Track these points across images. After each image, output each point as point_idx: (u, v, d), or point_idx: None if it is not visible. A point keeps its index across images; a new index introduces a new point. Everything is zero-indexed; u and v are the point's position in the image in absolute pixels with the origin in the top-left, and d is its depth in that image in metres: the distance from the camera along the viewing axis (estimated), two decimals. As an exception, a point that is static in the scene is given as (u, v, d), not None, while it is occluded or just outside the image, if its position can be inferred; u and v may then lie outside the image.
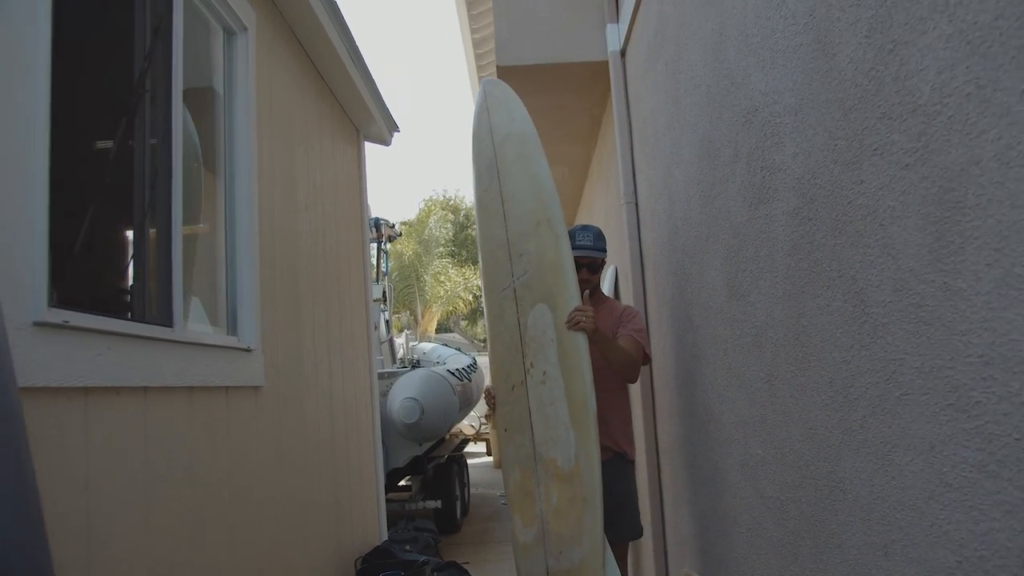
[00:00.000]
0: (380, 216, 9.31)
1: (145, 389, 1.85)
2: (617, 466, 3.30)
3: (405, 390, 6.79)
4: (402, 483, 8.27)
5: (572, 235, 3.35)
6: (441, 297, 23.65)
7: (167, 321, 2.02)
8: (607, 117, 5.06)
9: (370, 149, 5.06)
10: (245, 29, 2.63)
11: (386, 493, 5.46)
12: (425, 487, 7.94)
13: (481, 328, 26.86)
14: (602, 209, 5.83)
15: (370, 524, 4.25)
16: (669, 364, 3.60)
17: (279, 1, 3.06)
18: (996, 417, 1.13)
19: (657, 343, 3.85)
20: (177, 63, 2.03)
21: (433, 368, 8.30)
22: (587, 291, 3.22)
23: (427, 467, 7.86)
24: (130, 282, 2.13)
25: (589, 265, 3.41)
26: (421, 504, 7.60)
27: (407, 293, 22.90)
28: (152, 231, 2.02)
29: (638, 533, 3.48)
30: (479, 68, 9.53)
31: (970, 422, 1.20)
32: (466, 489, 9.40)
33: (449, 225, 25.32)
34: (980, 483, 1.18)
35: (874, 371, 1.51)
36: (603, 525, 2.83)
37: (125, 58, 1.99)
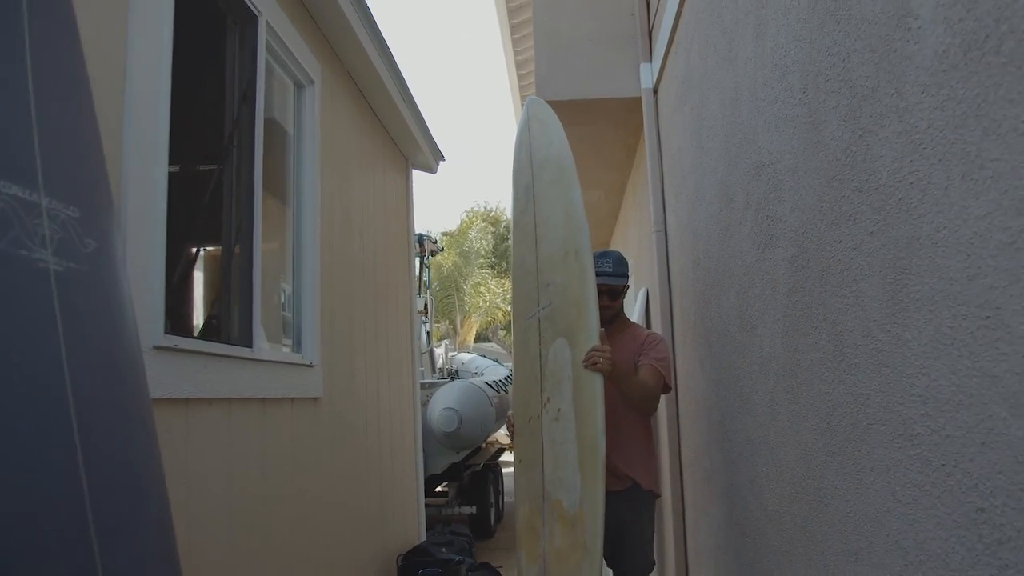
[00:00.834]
0: (423, 231, 9.67)
1: (229, 400, 2.18)
2: (631, 497, 3.28)
3: (444, 400, 7.12)
4: (439, 489, 8.59)
5: (592, 260, 3.22)
6: (480, 308, 24.00)
7: (248, 342, 2.36)
8: (640, 147, 5.33)
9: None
10: (312, 82, 2.98)
11: (424, 498, 5.78)
12: (461, 493, 8.24)
13: (519, 339, 27.05)
14: (635, 233, 6.10)
15: (410, 525, 4.57)
16: (692, 385, 3.85)
17: (341, 53, 3.42)
18: (930, 447, 1.39)
19: (683, 365, 4.10)
20: (259, 125, 2.38)
21: (471, 379, 8.62)
22: (608, 317, 3.26)
23: (463, 474, 8.18)
24: (219, 310, 2.47)
25: (609, 292, 3.36)
26: (457, 509, 7.90)
27: (447, 303, 23.30)
28: (236, 268, 2.37)
29: (647, 569, 3.39)
30: (521, 88, 9.87)
31: (913, 450, 1.46)
32: (500, 496, 9.69)
33: (489, 237, 25.68)
34: (919, 500, 1.44)
35: (848, 403, 1.77)
36: (600, 570, 2.82)
37: (218, 122, 2.34)
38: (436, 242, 10.23)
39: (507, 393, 9.27)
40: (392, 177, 4.60)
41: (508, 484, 11.91)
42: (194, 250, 2.51)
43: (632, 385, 3.15)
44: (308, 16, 3.04)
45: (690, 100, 3.60)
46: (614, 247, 8.43)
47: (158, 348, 1.76)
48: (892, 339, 1.53)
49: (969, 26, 1.20)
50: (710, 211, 3.23)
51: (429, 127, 4.71)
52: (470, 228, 25.43)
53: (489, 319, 25.17)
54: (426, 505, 5.65)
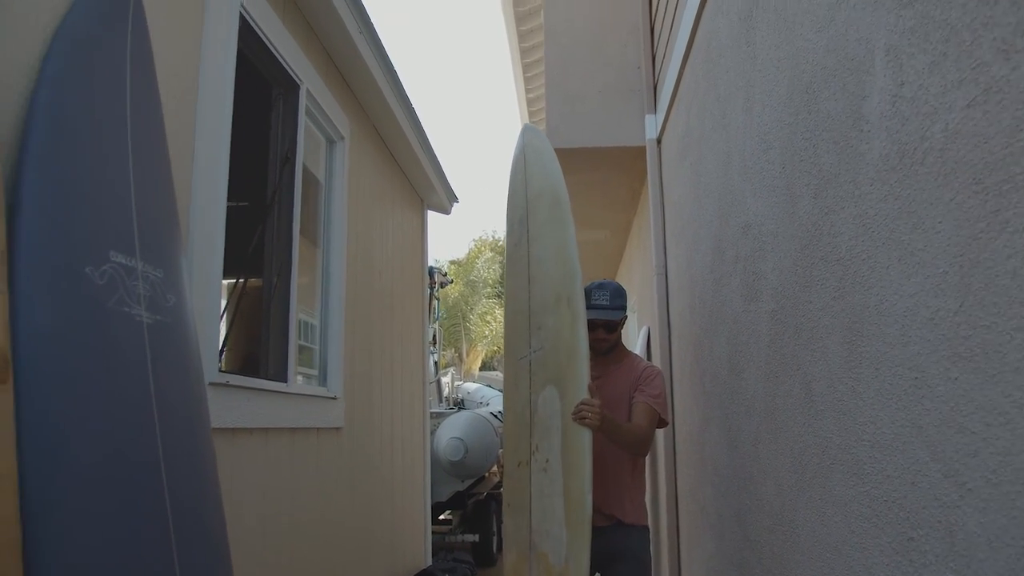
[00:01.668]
0: (433, 263, 9.95)
1: (266, 430, 2.43)
2: (617, 533, 3.19)
3: (451, 430, 7.34)
4: (442, 517, 8.77)
5: (588, 293, 3.22)
6: (486, 337, 24.22)
7: (283, 378, 2.63)
8: (645, 191, 5.61)
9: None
10: (343, 138, 3.28)
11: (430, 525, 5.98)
12: (464, 521, 8.42)
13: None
14: (639, 272, 6.35)
15: (417, 549, 4.79)
16: (688, 421, 4.07)
17: (368, 110, 3.73)
18: (876, 484, 1.63)
19: (680, 402, 4.33)
20: (298, 184, 2.68)
21: (477, 409, 8.85)
22: (604, 349, 3.20)
23: (467, 503, 8.36)
24: (259, 347, 2.74)
25: (605, 325, 3.24)
26: (460, 537, 8.07)
27: (453, 332, 23.54)
28: (275, 311, 2.65)
29: None
30: (532, 123, 10.20)
31: (863, 487, 1.70)
32: (503, 525, 9.85)
33: (497, 267, 25.95)
34: (868, 531, 1.68)
35: (815, 444, 2.01)
36: None
37: (260, 184, 2.62)
38: (446, 274, 10.53)
39: (511, 424, 9.45)
40: (409, 218, 4.90)
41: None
42: (238, 295, 2.77)
43: (622, 436, 3.05)
44: (341, 79, 3.35)
45: (689, 156, 3.88)
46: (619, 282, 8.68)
47: (213, 384, 2.02)
48: (849, 391, 1.77)
49: (903, 137, 1.46)
50: (705, 261, 3.48)
51: (445, 172, 5.02)
52: (478, 258, 25.72)
53: (495, 348, 25.37)
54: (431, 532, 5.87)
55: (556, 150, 5.19)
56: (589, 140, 5.12)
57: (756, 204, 2.57)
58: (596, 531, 2.94)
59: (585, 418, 2.79)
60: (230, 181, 2.18)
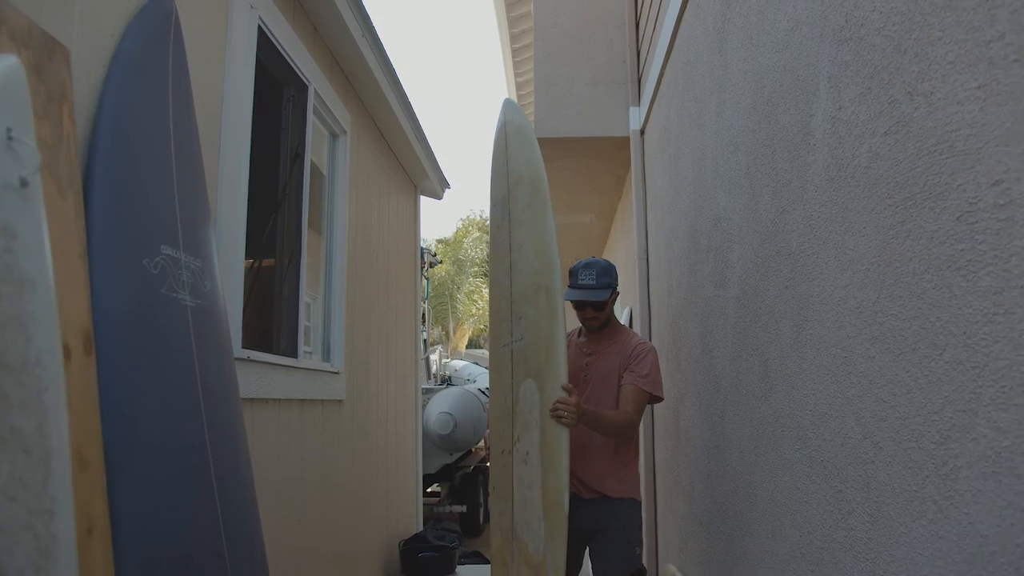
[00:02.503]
0: (422, 244, 10.19)
1: (279, 400, 2.68)
2: (602, 507, 3.20)
3: (441, 405, 7.63)
4: (431, 489, 9.08)
5: (575, 273, 3.23)
6: (473, 315, 24.47)
7: (294, 353, 2.88)
8: (629, 177, 5.85)
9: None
10: (345, 132, 3.52)
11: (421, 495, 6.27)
12: (452, 493, 8.73)
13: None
14: (623, 255, 6.62)
15: (410, 515, 5.08)
16: (665, 396, 4.35)
17: (368, 105, 3.97)
18: (816, 448, 1.91)
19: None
20: (305, 181, 2.92)
21: (465, 386, 9.14)
22: (595, 327, 3.20)
23: (455, 475, 8.67)
24: (273, 325, 2.99)
25: (593, 304, 3.22)
26: (448, 508, 8.39)
27: (440, 310, 23.77)
28: (286, 293, 2.91)
29: (627, 570, 3.23)
30: (520, 98, 10.39)
31: (806, 450, 1.97)
32: (489, 497, 10.19)
33: (484, 246, 26.10)
34: (809, 487, 1.95)
35: (770, 415, 2.28)
36: None
37: (273, 179, 2.86)
38: (435, 255, 10.78)
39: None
40: (403, 203, 5.14)
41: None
42: (254, 276, 3.01)
43: (604, 427, 3.07)
44: (344, 77, 3.58)
45: (669, 149, 4.13)
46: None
47: (237, 359, 2.27)
48: (796, 368, 2.04)
49: (840, 153, 1.72)
50: (681, 249, 3.75)
51: (437, 159, 5.26)
52: (465, 237, 25.90)
53: (481, 327, 25.63)
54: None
55: (544, 139, 5.47)
56: (575, 130, 5.35)
57: (725, 199, 2.82)
58: (583, 504, 3.10)
59: (561, 417, 2.80)
60: (248, 176, 2.42)
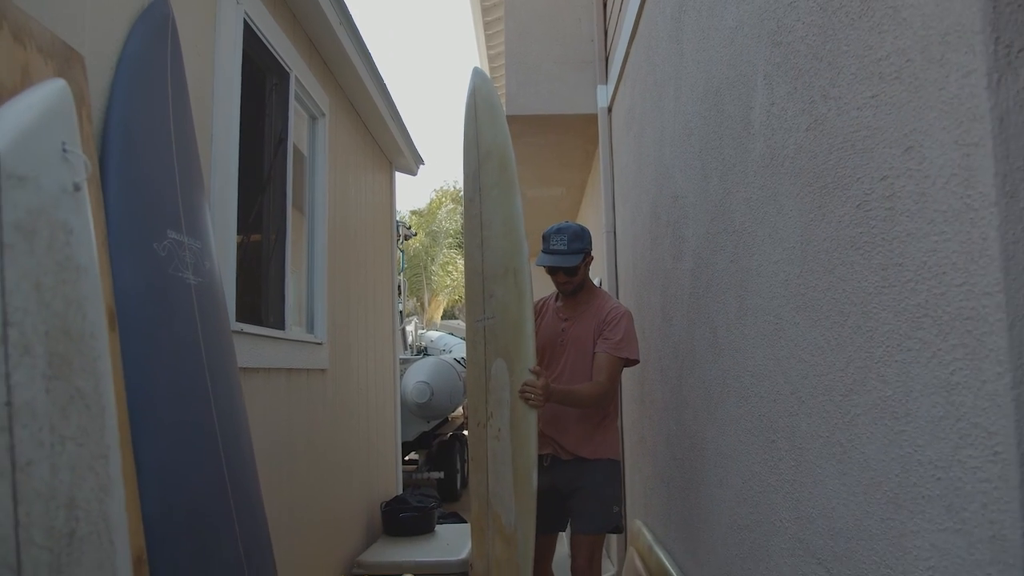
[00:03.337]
0: (397, 219, 10.34)
1: (268, 369, 2.87)
2: (577, 468, 3.33)
3: (418, 374, 7.86)
4: (409, 457, 9.33)
5: (547, 238, 3.28)
6: (448, 286, 24.59)
7: (281, 326, 3.08)
8: (597, 154, 6.06)
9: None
10: (324, 115, 3.69)
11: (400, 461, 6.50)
12: (430, 460, 8.99)
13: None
14: (593, 226, 6.84)
15: (390, 479, 5.32)
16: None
17: (345, 88, 4.14)
18: (755, 404, 2.15)
19: (624, 346, 4.85)
20: (289, 164, 3.11)
21: (442, 356, 9.37)
22: (569, 291, 3.28)
23: (432, 443, 8.92)
24: (262, 299, 3.18)
25: (565, 269, 3.27)
26: (426, 474, 8.65)
27: (415, 282, 23.88)
28: (273, 269, 3.10)
29: (605, 527, 3.38)
30: (493, 79, 10.50)
31: (747, 407, 2.21)
32: (466, 464, 10.48)
33: (458, 217, 26.12)
34: (748, 439, 2.20)
35: (718, 377, 2.52)
36: None
37: (259, 163, 3.04)
38: (409, 227, 10.93)
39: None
40: (379, 180, 5.32)
41: (473, 454, 12.69)
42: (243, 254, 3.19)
43: (576, 402, 3.17)
44: (322, 62, 3.74)
45: (633, 128, 4.33)
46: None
47: (233, 332, 2.46)
48: (739, 335, 2.28)
49: (773, 144, 1.94)
50: (644, 223, 3.97)
51: (412, 137, 5.43)
52: (439, 208, 25.93)
53: (456, 297, 25.76)
54: (400, 468, 6.40)
55: (514, 116, 5.64)
56: (545, 107, 5.53)
57: (681, 179, 3.04)
58: (561, 464, 3.31)
59: (529, 399, 2.88)
60: (238, 161, 2.60)
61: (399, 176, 6.04)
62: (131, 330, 1.66)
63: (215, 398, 1.94)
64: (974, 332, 1.10)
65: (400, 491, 5.60)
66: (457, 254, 24.81)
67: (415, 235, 14.26)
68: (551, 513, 3.35)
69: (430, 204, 27.25)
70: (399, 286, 10.20)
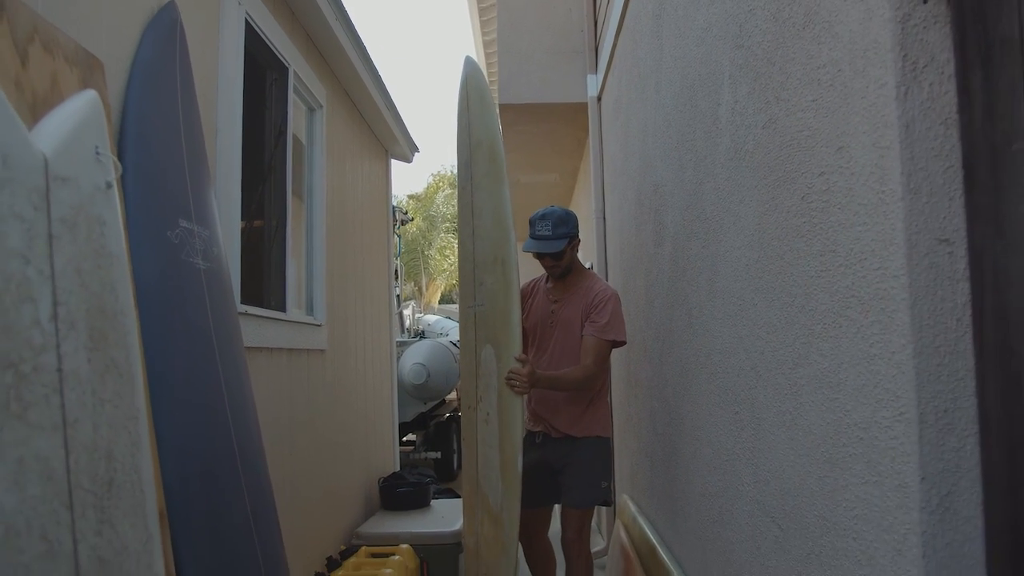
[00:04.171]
0: (394, 202, 10.50)
1: (271, 349, 3.04)
2: (567, 445, 3.46)
3: (414, 356, 8.05)
4: (406, 438, 9.53)
5: (533, 223, 3.35)
6: (445, 271, 24.76)
7: (282, 308, 3.26)
8: (589, 140, 6.21)
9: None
10: (321, 106, 3.85)
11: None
12: (427, 440, 9.19)
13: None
14: (585, 213, 7.00)
15: (387, 456, 5.52)
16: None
17: (342, 79, 4.30)
18: (722, 378, 2.32)
19: (613, 328, 5.03)
20: (288, 154, 3.28)
21: (438, 339, 9.55)
22: (557, 274, 3.40)
23: (429, 424, 9.12)
24: (264, 283, 3.35)
25: (551, 254, 3.36)
26: (423, 454, 8.85)
27: (412, 266, 24.02)
28: (274, 254, 3.28)
29: (592, 501, 3.52)
30: (488, 65, 10.62)
31: (716, 382, 2.38)
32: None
33: (455, 202, 26.22)
34: (715, 411, 2.37)
35: (693, 355, 2.70)
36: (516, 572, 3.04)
37: (260, 154, 3.20)
38: (406, 212, 11.09)
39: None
40: (375, 168, 5.48)
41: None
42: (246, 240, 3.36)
43: (563, 386, 3.28)
44: (320, 56, 3.90)
45: (620, 117, 4.49)
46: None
47: (239, 313, 2.64)
48: (709, 316, 2.45)
49: (737, 138, 2.10)
50: (630, 210, 4.14)
51: (407, 126, 5.60)
52: (436, 193, 26.05)
53: (453, 282, 25.90)
54: (397, 448, 6.59)
55: (507, 105, 5.79)
56: (537, 96, 5.68)
57: (662, 168, 3.20)
58: (552, 442, 3.49)
59: (514, 386, 3.01)
60: (241, 153, 2.77)
61: (395, 162, 6.20)
62: (149, 312, 1.83)
63: (224, 374, 2.11)
64: (886, 310, 1.27)
65: (397, 468, 5.80)
66: (454, 238, 24.90)
67: (411, 220, 14.41)
68: (544, 487, 3.56)
69: (427, 189, 27.36)
70: (396, 270, 10.38)
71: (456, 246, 23.84)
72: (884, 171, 1.26)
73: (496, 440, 3.06)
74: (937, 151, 1.21)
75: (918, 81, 1.22)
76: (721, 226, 2.28)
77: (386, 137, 5.55)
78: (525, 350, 3.62)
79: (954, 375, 1.20)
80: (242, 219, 2.86)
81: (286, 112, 3.30)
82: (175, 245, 1.98)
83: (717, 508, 2.39)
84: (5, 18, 1.37)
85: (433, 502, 4.79)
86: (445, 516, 4.39)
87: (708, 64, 2.39)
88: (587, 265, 6.13)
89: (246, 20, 2.76)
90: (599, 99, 5.48)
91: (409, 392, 7.98)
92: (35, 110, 1.44)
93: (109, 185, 1.26)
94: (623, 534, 4.04)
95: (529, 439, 3.64)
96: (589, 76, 5.53)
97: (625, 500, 4.39)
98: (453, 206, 24.77)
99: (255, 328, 2.83)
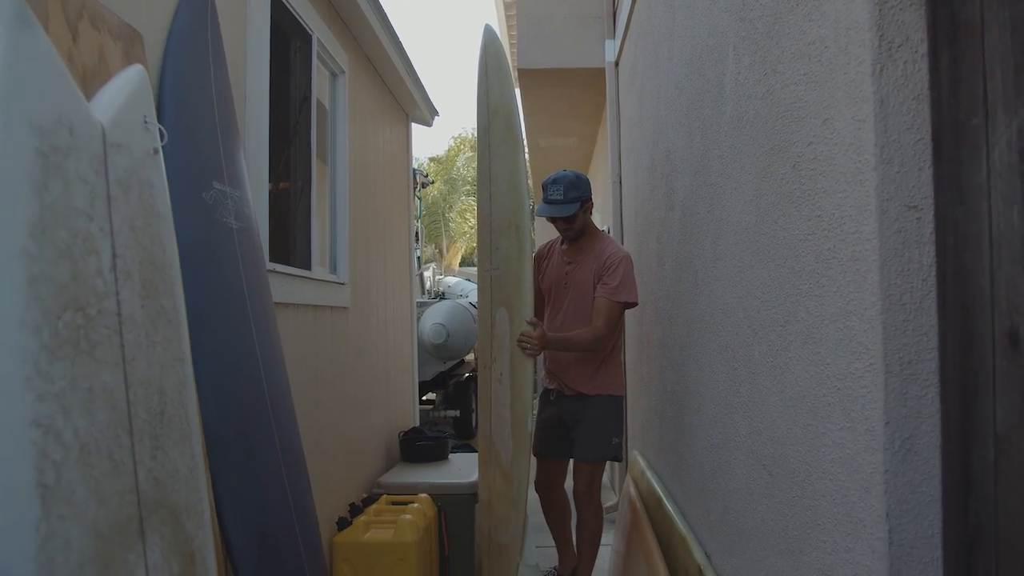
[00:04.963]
0: (415, 165, 10.62)
1: (296, 305, 3.20)
2: (578, 402, 3.61)
3: (434, 317, 8.23)
4: (426, 397, 9.75)
5: (545, 188, 3.42)
6: (465, 233, 24.85)
7: (307, 266, 3.42)
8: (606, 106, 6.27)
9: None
10: (343, 72, 3.97)
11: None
12: (447, 399, 9.40)
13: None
14: (602, 177, 7.09)
15: (407, 411, 5.73)
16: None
17: (363, 46, 4.42)
18: (724, 336, 2.44)
19: (627, 290, 5.15)
20: (312, 118, 3.41)
21: (458, 300, 9.73)
22: (570, 237, 3.50)
23: (449, 383, 9.33)
24: (289, 242, 3.51)
25: (563, 218, 3.43)
26: (443, 413, 9.07)
27: (433, 228, 24.14)
28: (300, 214, 3.43)
29: (602, 456, 3.66)
30: (508, 27, 10.62)
31: (719, 340, 2.51)
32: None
33: (475, 166, 26.17)
34: (716, 368, 2.50)
35: (698, 315, 2.82)
36: (524, 529, 3.21)
37: (286, 119, 3.34)
38: (427, 175, 11.23)
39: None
40: (396, 132, 5.61)
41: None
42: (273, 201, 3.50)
43: (574, 347, 3.38)
44: (342, 23, 4.01)
45: (636, 83, 4.56)
46: (588, 185, 9.40)
47: (268, 271, 2.80)
48: (714, 277, 2.57)
49: (739, 107, 2.20)
50: (643, 175, 4.23)
51: (427, 90, 5.71)
52: (457, 156, 26.05)
53: (474, 245, 25.99)
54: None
55: (525, 70, 5.87)
56: (556, 61, 5.75)
57: (673, 135, 3.30)
58: (565, 399, 3.67)
59: (525, 348, 3.12)
60: (268, 118, 2.91)
61: (416, 126, 6.31)
62: (187, 267, 1.97)
63: (256, 327, 2.27)
64: (860, 270, 1.39)
65: (417, 424, 6.00)
66: (475, 202, 24.82)
67: (432, 183, 14.53)
68: (558, 442, 3.76)
69: (448, 152, 27.33)
70: (416, 232, 10.53)
71: (476, 209, 23.90)
72: (861, 142, 1.38)
73: (508, 399, 3.20)
74: (909, 124, 1.32)
75: (893, 59, 1.32)
76: (724, 191, 2.39)
77: (407, 101, 5.66)
78: (541, 311, 3.80)
79: (919, 330, 1.32)
80: (269, 181, 3.00)
81: (310, 78, 3.43)
82: (210, 206, 2.12)
83: (716, 459, 2.53)
84: (58, -3, 1.50)
85: (451, 456, 4.99)
86: (462, 469, 4.58)
87: (715, 35, 2.48)
88: (604, 228, 6.24)
89: (271, -9, 2.89)
90: (616, 64, 5.54)
91: (429, 351, 8.17)
92: (85, 82, 1.58)
93: (156, 151, 1.40)
94: (632, 488, 4.20)
95: (545, 396, 3.83)
96: (607, 41, 5.58)
97: (635, 456, 4.54)
98: (473, 169, 24.62)
99: (283, 285, 2.99)
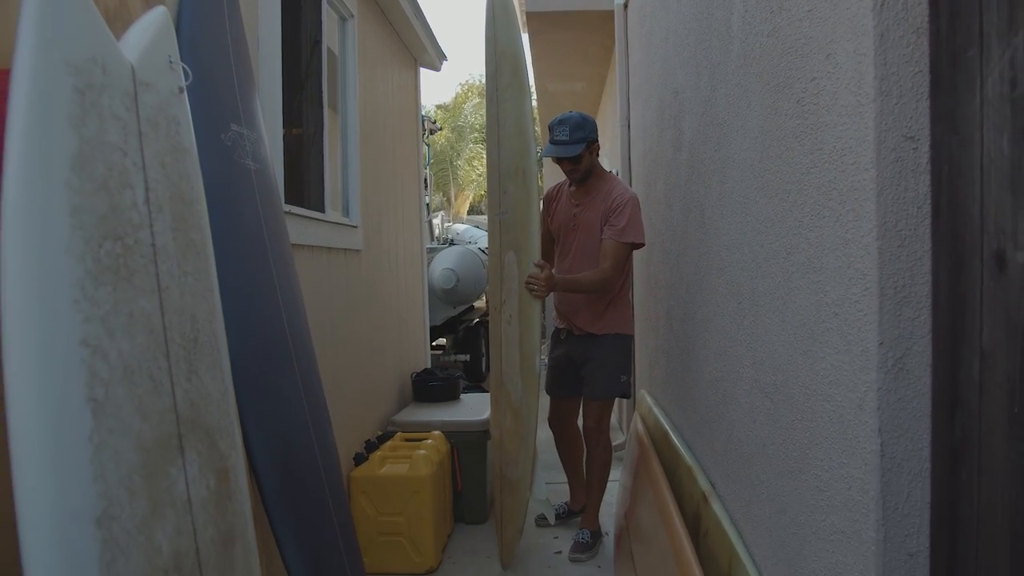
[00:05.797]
0: (423, 112, 10.58)
1: (312, 247, 3.28)
2: (587, 341, 3.73)
3: (444, 262, 8.31)
4: (436, 342, 9.89)
5: (551, 129, 3.47)
6: (473, 181, 24.79)
7: (321, 208, 3.48)
8: (616, 48, 6.24)
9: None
10: (352, 16, 3.98)
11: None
12: (456, 344, 9.53)
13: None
14: (611, 121, 7.07)
15: (419, 353, 5.85)
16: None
17: (371, -11, 4.43)
18: (729, 274, 2.51)
19: (635, 233, 5.19)
20: (324, 63, 3.43)
21: (467, 245, 9.80)
22: (577, 179, 3.56)
23: (459, 328, 9.45)
24: (303, 185, 3.57)
25: (569, 158, 3.48)
26: (453, 357, 9.21)
27: (441, 177, 24.09)
28: (313, 158, 3.48)
29: (610, 393, 3.81)
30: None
31: (723, 277, 2.57)
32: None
33: (483, 112, 26.01)
34: (724, 305, 2.57)
35: (704, 253, 2.88)
36: (534, 465, 3.35)
37: (297, 63, 3.36)
38: (435, 122, 11.19)
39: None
40: (405, 76, 5.61)
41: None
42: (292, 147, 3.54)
43: (582, 288, 3.48)
44: (351, -34, 4.01)
45: (645, 25, 4.55)
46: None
47: (284, 212, 2.87)
48: (719, 214, 2.62)
49: (745, 45, 2.23)
50: (651, 117, 4.25)
51: (435, 34, 5.70)
52: (465, 103, 25.84)
53: (482, 192, 25.95)
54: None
55: (534, 13, 5.83)
56: (564, 4, 5.71)
57: (681, 75, 3.32)
58: (575, 338, 3.82)
59: (533, 290, 3.21)
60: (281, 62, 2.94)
61: (424, 72, 6.30)
62: (208, 208, 2.05)
63: (275, 265, 2.35)
64: (859, 199, 1.45)
65: (428, 364, 6.13)
66: (482, 149, 24.84)
67: (440, 129, 14.48)
68: (569, 379, 3.90)
69: (455, 98, 27.11)
70: (425, 179, 10.54)
71: (484, 156, 23.75)
72: (861, 76, 1.42)
73: (517, 340, 3.31)
74: (908, 58, 1.37)
75: (894, -7, 1.36)
76: (731, 130, 2.43)
77: (415, 46, 5.65)
78: (551, 253, 3.89)
79: (912, 255, 1.39)
80: (283, 126, 3.05)
81: (320, 22, 3.45)
82: (228, 147, 2.18)
83: (721, 392, 2.62)
84: (81, -60, 1.54)
85: (463, 396, 5.11)
86: (474, 407, 4.69)
87: (724, -25, 2.49)
88: (613, 171, 6.26)
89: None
90: (626, 7, 5.50)
91: (439, 296, 8.27)
92: (108, 24, 1.62)
93: (181, 90, 1.45)
94: (639, 425, 4.31)
95: (556, 335, 3.94)
96: (617, -18, 5.53)
97: (643, 394, 4.65)
98: (481, 116, 24.64)
99: (298, 226, 3.06)
